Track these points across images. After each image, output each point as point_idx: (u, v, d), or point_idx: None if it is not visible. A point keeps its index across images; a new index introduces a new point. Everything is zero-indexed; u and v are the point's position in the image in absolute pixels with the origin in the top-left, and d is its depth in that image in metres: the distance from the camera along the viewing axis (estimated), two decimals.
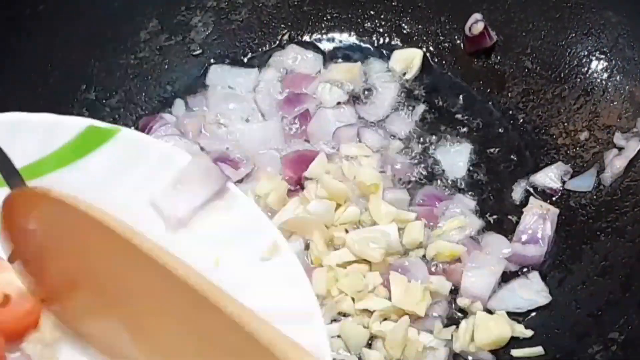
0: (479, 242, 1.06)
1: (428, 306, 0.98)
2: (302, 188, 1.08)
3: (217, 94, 1.21)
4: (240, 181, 1.10)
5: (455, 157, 1.15)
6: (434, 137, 1.17)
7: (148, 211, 0.69)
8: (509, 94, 1.20)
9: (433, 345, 0.97)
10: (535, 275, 1.03)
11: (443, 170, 1.13)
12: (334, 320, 0.99)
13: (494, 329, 0.97)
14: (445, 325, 1.00)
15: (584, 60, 1.15)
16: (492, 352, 0.98)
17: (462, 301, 1.01)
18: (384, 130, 1.17)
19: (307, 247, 1.03)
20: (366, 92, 1.20)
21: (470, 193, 1.11)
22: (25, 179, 0.66)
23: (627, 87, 1.11)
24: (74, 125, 0.73)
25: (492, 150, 1.16)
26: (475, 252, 1.03)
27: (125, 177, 0.71)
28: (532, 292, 1.02)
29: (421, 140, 1.16)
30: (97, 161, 0.72)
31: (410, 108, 1.19)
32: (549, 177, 1.11)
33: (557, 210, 1.07)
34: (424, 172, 1.13)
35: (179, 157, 0.72)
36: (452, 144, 1.16)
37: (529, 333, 0.99)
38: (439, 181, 1.12)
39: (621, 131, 1.09)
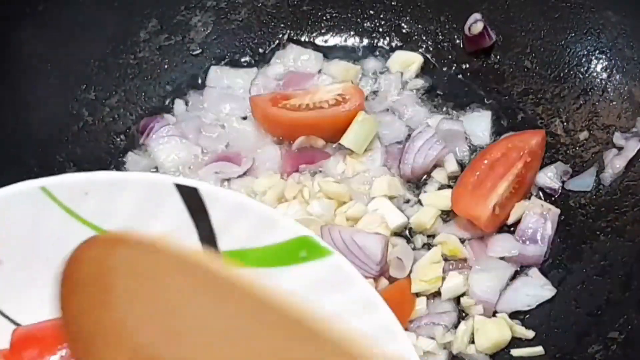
0: (485, 242, 1.05)
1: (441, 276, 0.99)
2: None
3: (216, 95, 1.20)
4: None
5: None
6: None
7: None
8: (509, 93, 1.20)
9: (431, 350, 0.96)
10: (534, 272, 1.03)
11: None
12: None
13: (493, 332, 0.97)
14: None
15: (584, 59, 1.15)
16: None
17: (466, 301, 1.01)
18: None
19: None
20: (367, 91, 1.20)
21: None
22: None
23: (626, 86, 1.11)
24: (288, 229, 0.70)
25: None
26: (483, 255, 1.03)
27: (318, 302, 0.64)
28: (536, 288, 1.01)
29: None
30: (296, 275, 0.68)
31: (410, 108, 1.19)
32: (549, 176, 1.10)
33: (557, 210, 1.07)
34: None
35: (383, 308, 0.67)
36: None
37: (530, 334, 0.98)
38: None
39: (621, 131, 1.09)
